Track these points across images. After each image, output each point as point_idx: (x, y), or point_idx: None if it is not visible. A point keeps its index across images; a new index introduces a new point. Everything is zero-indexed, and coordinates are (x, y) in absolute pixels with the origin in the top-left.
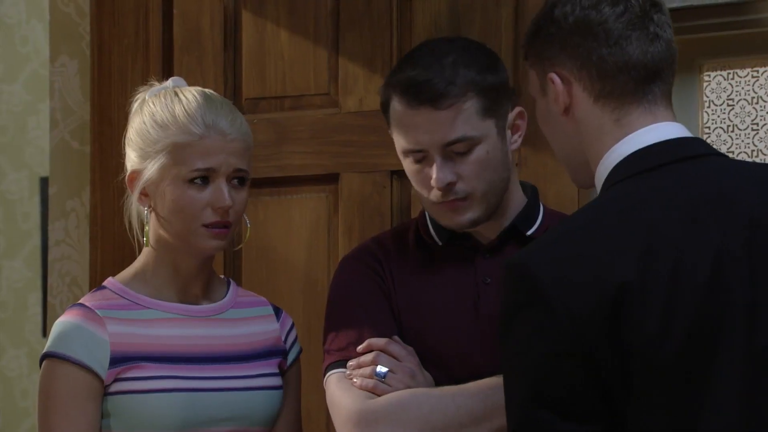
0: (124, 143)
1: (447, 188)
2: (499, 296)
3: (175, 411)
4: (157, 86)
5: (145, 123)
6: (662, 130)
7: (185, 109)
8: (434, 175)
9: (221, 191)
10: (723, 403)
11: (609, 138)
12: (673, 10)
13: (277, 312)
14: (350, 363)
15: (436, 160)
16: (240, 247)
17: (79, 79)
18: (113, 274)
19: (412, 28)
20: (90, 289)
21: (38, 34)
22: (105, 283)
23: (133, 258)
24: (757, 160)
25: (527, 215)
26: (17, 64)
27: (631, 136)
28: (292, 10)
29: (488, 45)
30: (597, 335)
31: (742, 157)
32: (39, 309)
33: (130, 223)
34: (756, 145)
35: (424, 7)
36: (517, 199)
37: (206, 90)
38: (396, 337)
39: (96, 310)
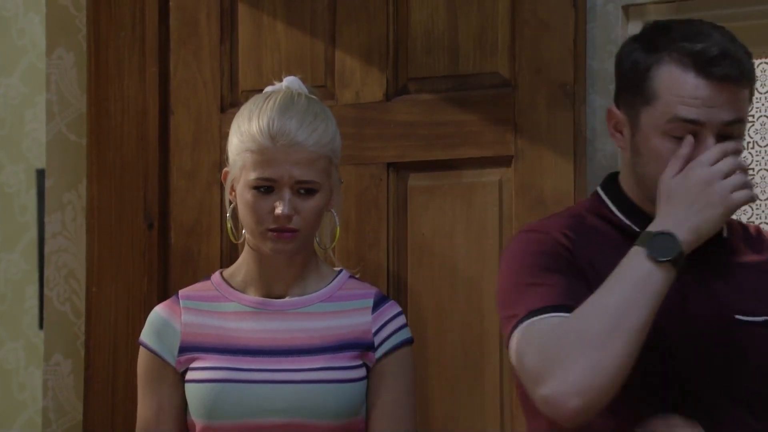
0: None
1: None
2: None
3: (226, 401)
4: (273, 86)
5: (234, 125)
6: None
7: (258, 118)
8: (710, 152)
9: (281, 200)
10: None
11: None
12: (681, 0)
13: (377, 305)
14: None
15: (709, 139)
16: (331, 247)
17: (75, 72)
18: (110, 266)
19: (408, 21)
20: (86, 282)
21: (35, 26)
22: (215, 273)
23: (130, 249)
24: (752, 152)
25: None
26: (14, 56)
27: None
28: (289, 2)
29: (484, 38)
30: None
31: None
32: (36, 301)
33: (234, 214)
34: (752, 137)
35: (420, 0)
36: None
37: (296, 94)
38: None
39: (181, 299)
